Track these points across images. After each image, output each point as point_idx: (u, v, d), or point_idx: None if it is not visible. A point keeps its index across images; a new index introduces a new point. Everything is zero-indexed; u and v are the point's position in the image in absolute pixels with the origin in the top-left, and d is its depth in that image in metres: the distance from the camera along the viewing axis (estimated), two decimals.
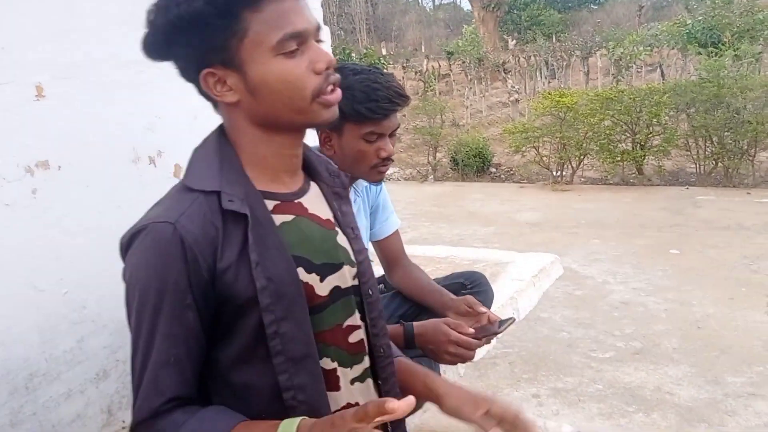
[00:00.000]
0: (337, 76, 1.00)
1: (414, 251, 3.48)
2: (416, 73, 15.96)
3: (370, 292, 1.12)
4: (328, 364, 1.04)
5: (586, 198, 7.83)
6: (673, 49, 13.60)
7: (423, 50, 19.67)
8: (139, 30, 2.01)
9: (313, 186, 1.10)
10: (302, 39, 0.95)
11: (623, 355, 3.34)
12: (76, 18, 1.87)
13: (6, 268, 1.68)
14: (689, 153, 8.38)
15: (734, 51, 9.85)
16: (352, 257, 1.10)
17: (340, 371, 1.05)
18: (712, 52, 10.09)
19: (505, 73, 14.55)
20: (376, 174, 1.68)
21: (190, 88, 2.24)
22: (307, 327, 0.98)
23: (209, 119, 2.22)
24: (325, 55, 0.96)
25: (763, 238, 5.50)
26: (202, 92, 1.00)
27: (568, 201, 7.73)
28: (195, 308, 0.93)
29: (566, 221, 6.62)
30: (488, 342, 1.75)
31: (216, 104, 1.03)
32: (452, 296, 1.82)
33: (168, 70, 2.10)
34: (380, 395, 1.13)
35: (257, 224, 0.95)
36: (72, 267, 1.81)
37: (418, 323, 1.65)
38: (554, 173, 8.94)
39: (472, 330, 1.60)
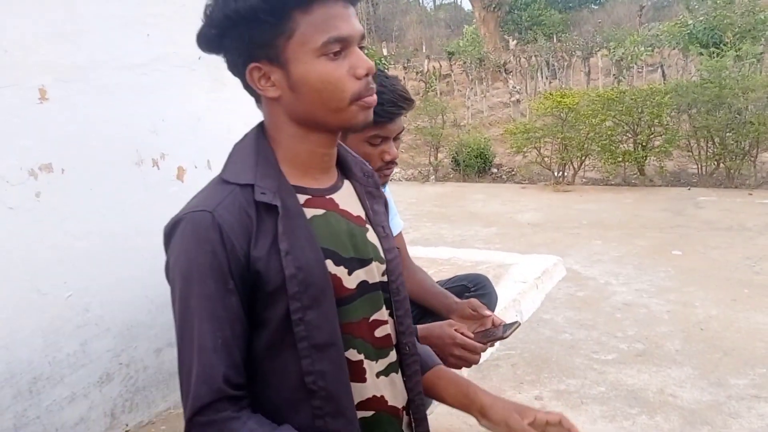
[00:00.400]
0: (374, 84, 1.04)
1: (416, 252, 3.48)
2: (417, 73, 15.93)
3: (399, 290, 1.16)
4: (354, 355, 1.07)
5: (588, 198, 7.82)
6: (674, 49, 13.57)
7: (424, 50, 19.62)
8: (141, 32, 2.02)
9: (347, 184, 1.15)
10: (346, 44, 0.99)
11: (626, 356, 3.33)
12: (79, 20, 1.87)
13: (9, 271, 1.68)
14: (691, 154, 8.37)
15: (736, 51, 9.81)
16: (382, 254, 1.14)
17: (367, 364, 1.09)
18: (713, 53, 10.06)
19: (506, 73, 14.51)
20: (380, 177, 1.67)
21: (193, 91, 2.24)
22: (332, 316, 1.02)
23: (213, 122, 2.23)
24: (366, 62, 1.01)
25: (766, 239, 5.48)
26: (246, 86, 1.05)
27: (570, 202, 7.71)
28: (236, 293, 0.97)
29: (568, 222, 6.61)
30: (492, 345, 1.75)
31: (259, 99, 1.07)
32: (456, 299, 1.82)
33: (171, 72, 2.11)
34: (406, 390, 1.17)
35: (288, 215, 1.00)
36: (75, 270, 1.81)
37: (422, 326, 1.65)
38: (555, 174, 8.92)
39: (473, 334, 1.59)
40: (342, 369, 1.03)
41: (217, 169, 1.06)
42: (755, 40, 10.92)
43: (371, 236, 1.13)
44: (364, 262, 1.09)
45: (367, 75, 1.01)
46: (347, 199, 1.12)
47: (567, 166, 8.89)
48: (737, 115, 7.75)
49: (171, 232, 1.00)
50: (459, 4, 31.45)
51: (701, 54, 10.60)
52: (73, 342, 1.79)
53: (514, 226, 6.62)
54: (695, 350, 3.37)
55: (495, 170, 10.08)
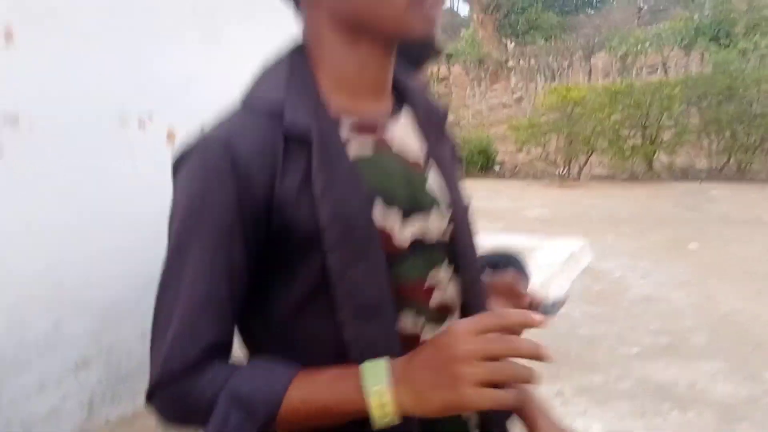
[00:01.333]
0: None
1: None
2: None
3: (466, 252, 0.90)
4: (408, 325, 0.83)
5: (596, 194, 7.73)
6: (674, 49, 13.50)
7: None
8: None
9: (405, 115, 0.92)
10: None
11: (651, 351, 3.19)
12: None
13: None
14: (701, 147, 8.28)
15: (746, 43, 9.73)
16: (444, 207, 0.89)
17: (423, 336, 0.84)
18: (722, 45, 9.98)
19: (508, 70, 14.43)
20: None
21: (185, 46, 2.00)
22: (380, 274, 0.81)
23: (207, 77, 2.00)
24: None
25: None
26: None
27: (577, 197, 7.64)
28: (243, 240, 0.78)
29: (577, 217, 6.51)
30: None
31: (297, 3, 0.87)
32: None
33: (160, 24, 1.89)
34: None
35: (325, 146, 0.81)
36: (46, 240, 1.59)
37: None
38: (561, 170, 8.80)
39: None
40: (393, 339, 0.80)
41: None
42: (763, 35, 10.85)
43: (433, 182, 0.90)
44: (420, 215, 0.86)
45: None
46: (404, 133, 0.90)
47: (573, 162, 8.78)
48: (748, 107, 7.66)
49: (178, 164, 0.81)
50: (455, 9, 31.56)
51: (709, 47, 10.51)
52: (44, 322, 1.57)
53: (522, 221, 6.52)
54: (724, 344, 3.24)
55: (498, 167, 10.00)
